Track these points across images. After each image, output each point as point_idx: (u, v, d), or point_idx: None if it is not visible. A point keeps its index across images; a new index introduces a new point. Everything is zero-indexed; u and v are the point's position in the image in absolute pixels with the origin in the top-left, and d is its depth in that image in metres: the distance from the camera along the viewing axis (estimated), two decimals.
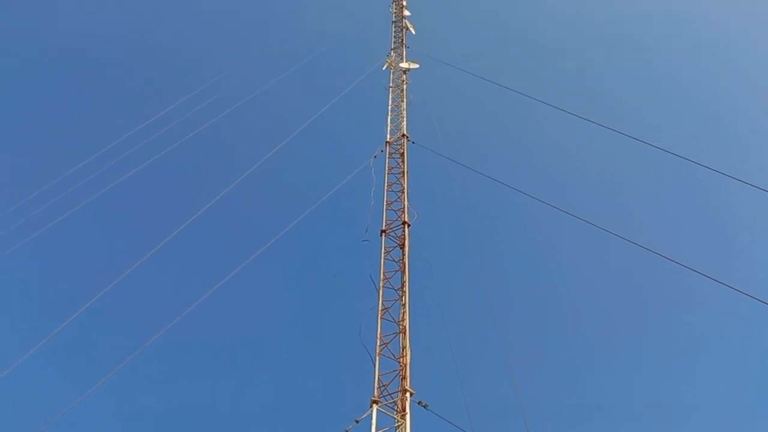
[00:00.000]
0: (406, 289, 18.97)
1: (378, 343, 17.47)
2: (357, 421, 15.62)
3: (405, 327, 17.81)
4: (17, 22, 58.22)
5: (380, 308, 18.52)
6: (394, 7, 34.36)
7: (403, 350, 17.27)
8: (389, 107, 27.12)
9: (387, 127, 25.87)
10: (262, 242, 23.83)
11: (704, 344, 42.26)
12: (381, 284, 19.31)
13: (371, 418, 15.44)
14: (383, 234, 20.97)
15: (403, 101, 27.40)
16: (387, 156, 24.23)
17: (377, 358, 17.10)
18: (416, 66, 30.01)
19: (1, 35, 58.61)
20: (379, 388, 16.28)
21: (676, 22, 63.65)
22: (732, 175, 20.44)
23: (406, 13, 33.87)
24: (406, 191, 22.57)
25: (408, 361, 16.82)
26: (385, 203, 22.07)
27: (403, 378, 16.44)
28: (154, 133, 30.22)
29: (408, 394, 15.93)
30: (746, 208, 43.36)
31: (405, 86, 28.43)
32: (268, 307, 45.34)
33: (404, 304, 18.51)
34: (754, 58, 57.52)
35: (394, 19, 33.58)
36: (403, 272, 19.54)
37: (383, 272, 19.70)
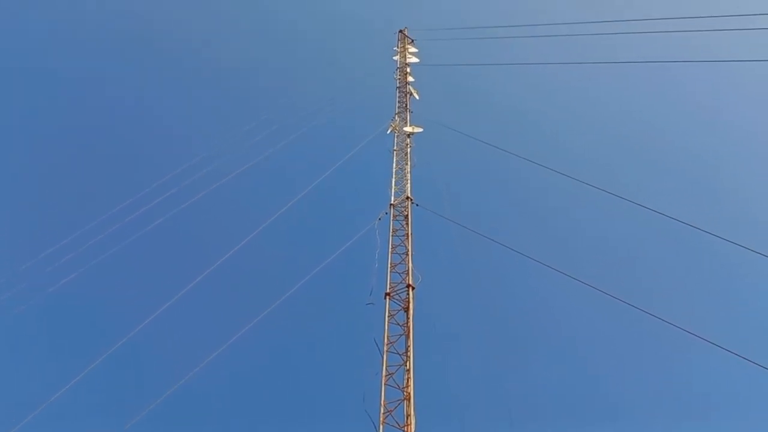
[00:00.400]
0: (411, 354, 18.62)
1: (382, 411, 17.01)
2: None
3: (410, 394, 17.39)
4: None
5: (384, 374, 18.13)
6: (398, 73, 35.15)
7: (407, 418, 16.81)
8: (393, 170, 27.37)
9: (391, 189, 26.04)
10: (266, 305, 23.57)
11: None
12: (385, 349, 18.97)
13: None
14: (387, 297, 20.75)
15: (407, 164, 27.67)
16: (391, 218, 24.29)
17: (381, 426, 16.63)
18: (420, 130, 30.44)
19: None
20: None
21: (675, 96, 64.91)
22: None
23: (410, 79, 34.63)
24: (410, 254, 22.49)
25: (413, 430, 16.33)
26: (389, 266, 21.95)
27: None
28: (165, 193, 30.56)
29: None
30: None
31: (409, 149, 28.77)
32: (270, 370, 44.47)
33: (409, 370, 18.13)
34: None
35: (398, 85, 34.28)
36: (408, 336, 19.23)
37: (387, 336, 19.39)
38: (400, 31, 37.86)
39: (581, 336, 46.20)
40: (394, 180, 26.68)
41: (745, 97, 61.53)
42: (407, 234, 23.54)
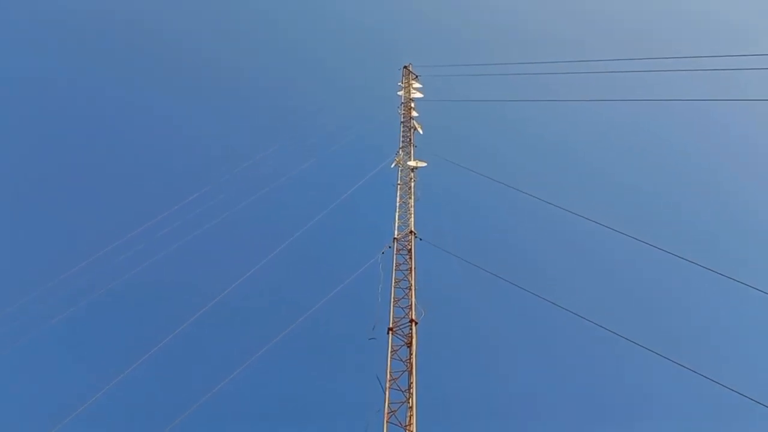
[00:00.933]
0: (414, 390, 18.31)
1: None
2: None
3: None
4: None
5: (386, 411, 17.80)
6: (403, 108, 35.42)
7: None
8: (397, 204, 27.38)
9: (395, 223, 26.01)
10: (266, 340, 23.36)
11: None
12: (387, 385, 18.66)
13: None
14: (390, 332, 20.52)
15: (411, 198, 27.69)
16: (395, 252, 24.19)
17: None
18: (424, 164, 30.55)
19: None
20: None
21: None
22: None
23: (414, 113, 34.89)
24: (413, 288, 22.31)
25: None
26: (392, 300, 21.77)
27: None
28: (176, 221, 30.73)
29: None
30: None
31: (413, 184, 28.82)
32: (269, 406, 43.87)
33: (411, 407, 17.81)
34: None
35: (402, 120, 34.51)
36: (411, 373, 18.95)
37: (390, 372, 19.11)
38: (405, 67, 38.30)
39: (584, 370, 45.74)
40: (397, 214, 26.67)
41: None
42: (411, 268, 23.40)
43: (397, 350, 19.92)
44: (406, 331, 20.53)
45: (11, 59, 62.95)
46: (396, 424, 17.49)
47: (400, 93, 36.78)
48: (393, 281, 22.65)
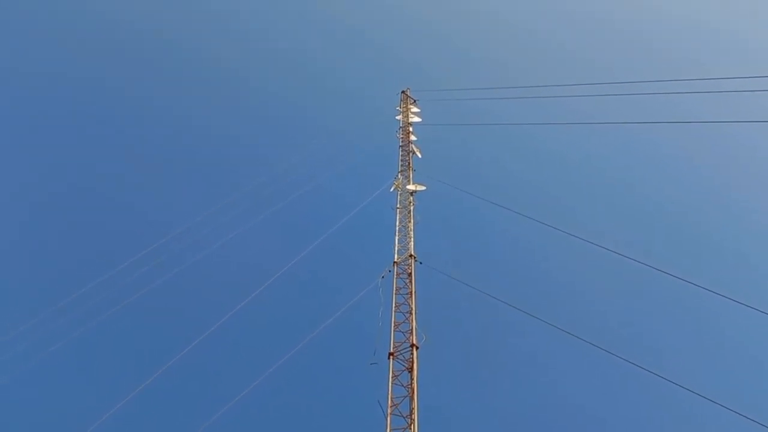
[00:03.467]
0: (415, 416, 18.13)
1: None
2: None
3: None
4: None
5: None
6: (401, 132, 35.59)
7: None
8: (397, 228, 27.37)
9: (395, 247, 25.96)
10: (267, 365, 23.17)
11: None
12: (389, 411, 18.48)
13: None
14: (391, 357, 20.37)
15: (410, 222, 27.68)
16: (395, 276, 24.09)
17: None
18: (423, 188, 30.59)
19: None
20: None
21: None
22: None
23: (413, 137, 35.03)
24: (414, 312, 22.20)
25: None
26: (393, 325, 21.64)
27: None
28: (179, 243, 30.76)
29: None
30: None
31: (412, 207, 28.83)
32: None
33: None
34: None
35: (401, 144, 34.65)
36: (412, 398, 18.77)
37: (391, 398, 18.93)
38: (403, 92, 38.60)
39: (587, 394, 45.37)
40: (397, 238, 26.64)
41: None
42: (411, 292, 23.29)
43: (398, 375, 19.76)
44: (407, 355, 20.38)
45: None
46: None
47: (398, 117, 37.01)
48: (393, 305, 22.55)
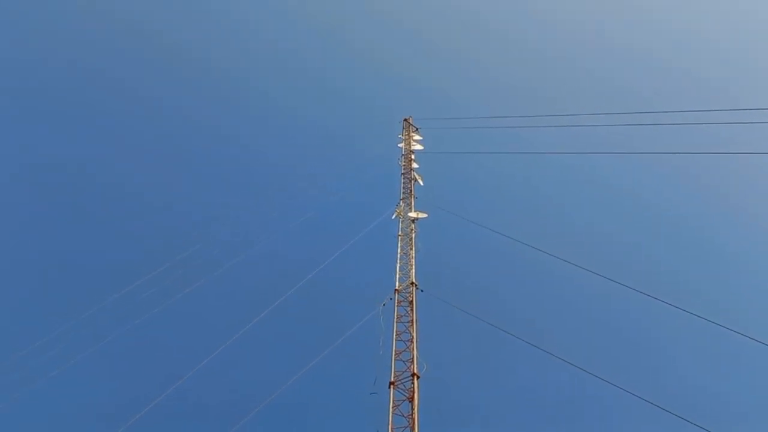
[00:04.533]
0: None
1: None
2: None
3: None
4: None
5: None
6: (403, 160, 35.69)
7: None
8: (398, 255, 27.26)
9: (396, 275, 25.82)
10: (266, 395, 22.90)
11: None
12: None
13: None
14: (392, 386, 20.11)
15: (411, 249, 27.59)
16: (396, 304, 23.91)
17: None
18: (425, 216, 30.57)
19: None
20: None
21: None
22: None
23: (415, 165, 35.13)
24: (415, 341, 21.98)
25: None
26: (393, 353, 21.42)
27: None
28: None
29: None
30: None
31: (414, 235, 28.77)
32: None
33: None
34: None
35: (403, 171, 34.72)
36: (413, 428, 18.49)
37: (391, 428, 18.67)
38: (405, 120, 38.78)
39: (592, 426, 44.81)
40: (398, 265, 26.53)
41: None
42: (412, 320, 23.10)
43: (399, 405, 19.51)
44: (408, 385, 20.13)
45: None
46: None
47: (400, 145, 37.14)
48: (394, 333, 22.34)
